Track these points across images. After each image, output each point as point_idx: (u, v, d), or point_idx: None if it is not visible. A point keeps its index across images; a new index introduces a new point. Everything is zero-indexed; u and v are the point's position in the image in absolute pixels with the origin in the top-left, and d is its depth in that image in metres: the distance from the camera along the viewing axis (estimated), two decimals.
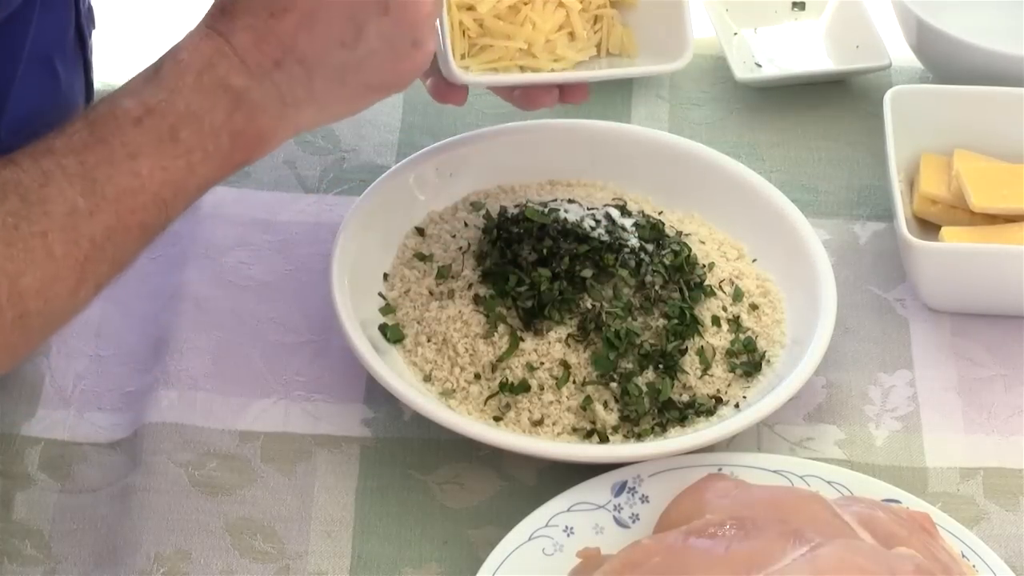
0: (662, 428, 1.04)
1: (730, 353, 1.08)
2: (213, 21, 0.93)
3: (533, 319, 1.06)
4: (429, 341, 1.08)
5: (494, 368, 1.06)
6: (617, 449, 1.02)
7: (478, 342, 1.07)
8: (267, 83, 0.92)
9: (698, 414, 1.05)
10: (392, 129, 1.28)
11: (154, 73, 0.92)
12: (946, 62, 1.30)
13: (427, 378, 1.07)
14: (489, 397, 1.05)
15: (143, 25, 1.36)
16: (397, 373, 1.05)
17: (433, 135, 1.24)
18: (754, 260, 1.15)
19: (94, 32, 1.11)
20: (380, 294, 1.12)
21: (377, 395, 1.07)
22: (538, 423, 1.04)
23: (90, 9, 1.10)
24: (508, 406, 1.05)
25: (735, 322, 1.10)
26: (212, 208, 1.20)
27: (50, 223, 0.86)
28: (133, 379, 1.09)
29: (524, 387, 1.05)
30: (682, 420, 1.05)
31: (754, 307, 1.11)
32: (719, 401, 1.06)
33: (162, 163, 0.90)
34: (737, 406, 1.06)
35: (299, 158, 1.25)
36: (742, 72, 1.32)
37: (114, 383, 1.09)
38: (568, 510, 0.99)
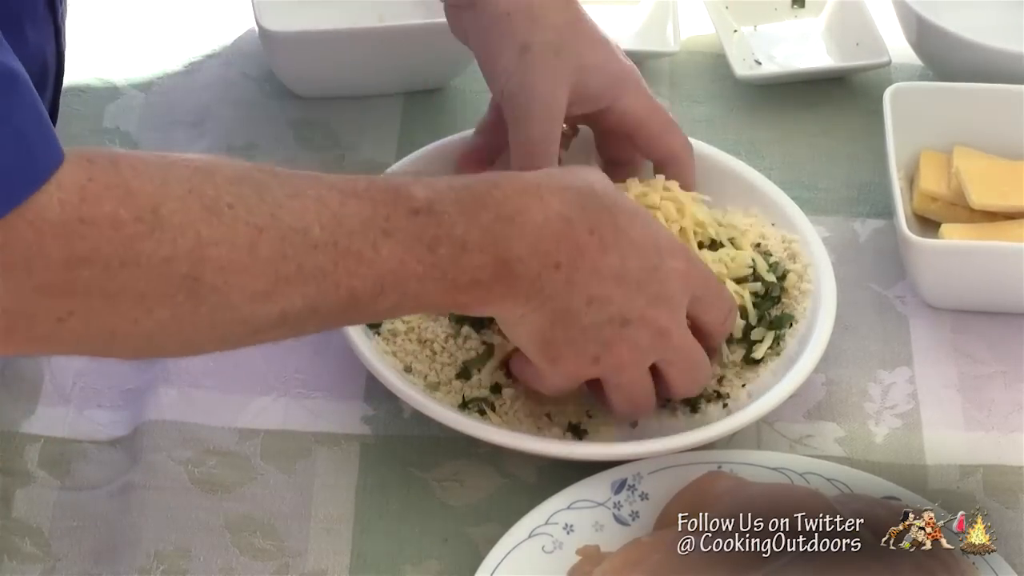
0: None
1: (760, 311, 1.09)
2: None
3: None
4: (406, 334, 1.08)
5: (467, 370, 1.06)
6: (617, 447, 1.02)
7: (450, 341, 1.07)
8: (537, 276, 0.91)
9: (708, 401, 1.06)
10: (392, 127, 1.28)
11: (464, 188, 0.90)
12: (946, 59, 1.29)
13: (407, 369, 1.06)
14: (468, 401, 1.05)
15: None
16: (396, 371, 1.05)
17: (433, 134, 1.24)
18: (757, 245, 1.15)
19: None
20: None
21: (377, 392, 1.07)
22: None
23: None
24: (493, 407, 1.05)
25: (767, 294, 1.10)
26: None
27: (271, 224, 0.81)
28: (133, 376, 1.09)
29: (496, 390, 1.05)
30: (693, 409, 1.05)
31: (783, 276, 1.11)
32: (719, 396, 1.06)
33: (403, 257, 0.87)
34: (748, 394, 1.06)
35: (298, 155, 1.25)
36: (742, 69, 1.32)
37: (114, 380, 1.09)
38: (568, 507, 0.99)
